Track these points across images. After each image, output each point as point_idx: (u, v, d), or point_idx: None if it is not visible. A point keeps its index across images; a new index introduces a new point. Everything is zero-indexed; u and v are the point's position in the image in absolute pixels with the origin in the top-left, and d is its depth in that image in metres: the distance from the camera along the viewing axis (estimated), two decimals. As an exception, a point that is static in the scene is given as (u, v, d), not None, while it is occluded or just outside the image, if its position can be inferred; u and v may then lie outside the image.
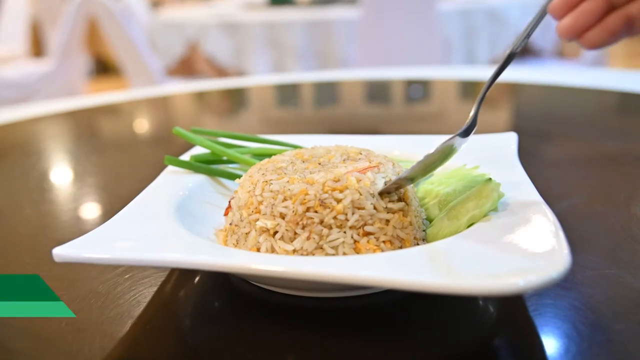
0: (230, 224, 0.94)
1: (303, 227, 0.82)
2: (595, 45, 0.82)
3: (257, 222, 0.85)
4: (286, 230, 0.83)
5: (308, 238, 0.81)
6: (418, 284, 0.65)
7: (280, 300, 0.86)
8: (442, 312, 0.82)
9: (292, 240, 0.83)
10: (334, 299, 0.85)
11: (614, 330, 0.77)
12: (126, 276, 0.95)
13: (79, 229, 1.21)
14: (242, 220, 0.90)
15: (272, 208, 0.85)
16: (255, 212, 0.87)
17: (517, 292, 0.62)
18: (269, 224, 0.84)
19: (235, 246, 0.91)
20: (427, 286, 0.65)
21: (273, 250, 0.84)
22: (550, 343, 0.74)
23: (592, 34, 0.82)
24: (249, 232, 0.88)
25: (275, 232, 0.85)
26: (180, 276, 0.95)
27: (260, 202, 0.87)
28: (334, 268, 0.70)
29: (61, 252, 0.76)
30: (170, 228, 0.87)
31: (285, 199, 0.85)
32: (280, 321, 0.81)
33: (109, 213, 1.04)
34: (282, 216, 0.84)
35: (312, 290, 0.85)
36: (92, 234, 0.83)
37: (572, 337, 0.75)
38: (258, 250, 0.85)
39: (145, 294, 0.90)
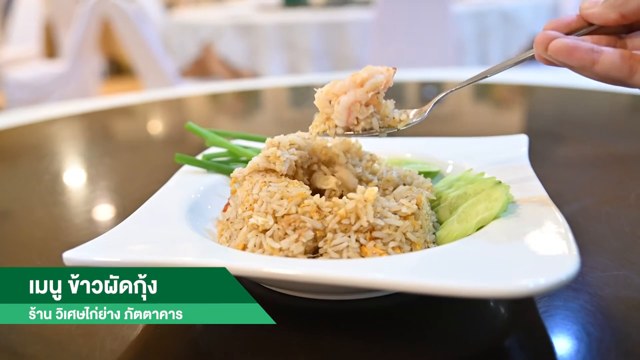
0: (227, 219, 0.95)
1: (294, 229, 0.83)
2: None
3: (250, 219, 0.86)
4: (277, 229, 0.84)
5: (296, 240, 0.82)
6: (428, 287, 0.66)
7: (290, 303, 0.86)
8: (452, 314, 0.82)
9: (281, 239, 0.83)
10: (344, 301, 0.85)
11: (624, 331, 0.77)
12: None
13: (90, 231, 1.21)
14: (236, 217, 0.91)
15: (266, 205, 0.86)
16: (249, 209, 0.88)
17: (526, 294, 0.63)
18: (260, 220, 0.84)
19: (228, 240, 0.91)
20: (437, 288, 0.65)
21: (261, 247, 0.84)
22: (561, 344, 0.74)
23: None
24: (241, 228, 0.89)
25: (265, 230, 0.85)
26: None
27: (255, 201, 0.88)
28: (348, 271, 0.71)
29: (71, 256, 0.77)
30: (182, 231, 0.88)
31: (282, 198, 0.86)
32: (290, 323, 0.82)
33: (121, 215, 1.05)
34: (274, 213, 0.85)
35: (322, 293, 0.85)
36: (102, 237, 0.84)
37: (581, 338, 0.75)
38: (245, 246, 0.85)
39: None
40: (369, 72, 0.90)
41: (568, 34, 0.84)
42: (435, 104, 0.97)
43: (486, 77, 0.94)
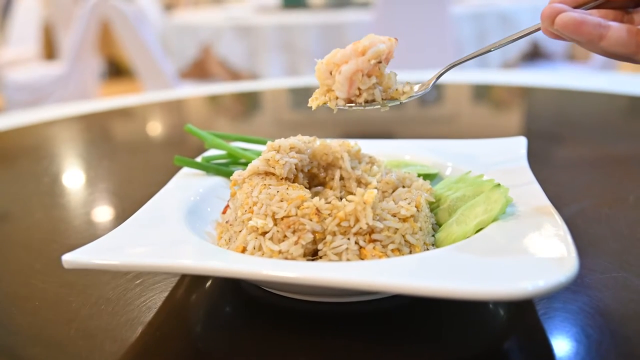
0: (227, 222, 0.95)
1: (294, 232, 0.83)
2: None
3: (249, 222, 0.86)
4: (277, 231, 0.84)
5: (295, 243, 0.82)
6: (427, 289, 0.65)
7: (290, 305, 0.86)
8: (451, 316, 0.82)
9: (280, 241, 0.83)
10: (343, 304, 0.85)
11: (623, 333, 0.77)
12: (137, 282, 0.96)
13: (90, 233, 1.21)
14: (236, 219, 0.91)
15: (265, 208, 0.86)
16: (248, 212, 0.88)
17: (525, 296, 0.63)
18: (259, 222, 0.84)
19: (227, 243, 0.91)
20: (436, 291, 0.65)
21: (260, 249, 0.84)
22: (560, 346, 0.74)
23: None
24: (240, 231, 0.88)
25: (265, 232, 0.85)
26: (191, 282, 0.95)
27: (255, 203, 0.88)
28: (348, 274, 0.71)
29: (71, 259, 0.77)
30: (181, 233, 0.88)
31: (281, 200, 0.86)
32: (290, 326, 0.82)
33: (120, 217, 1.05)
34: (274, 215, 0.85)
35: (322, 295, 0.85)
36: (102, 240, 0.83)
37: (580, 341, 0.75)
38: (244, 248, 0.85)
39: (156, 299, 0.90)
40: (370, 41, 0.89)
41: (575, 7, 0.83)
42: (438, 77, 0.97)
43: (490, 50, 0.93)
